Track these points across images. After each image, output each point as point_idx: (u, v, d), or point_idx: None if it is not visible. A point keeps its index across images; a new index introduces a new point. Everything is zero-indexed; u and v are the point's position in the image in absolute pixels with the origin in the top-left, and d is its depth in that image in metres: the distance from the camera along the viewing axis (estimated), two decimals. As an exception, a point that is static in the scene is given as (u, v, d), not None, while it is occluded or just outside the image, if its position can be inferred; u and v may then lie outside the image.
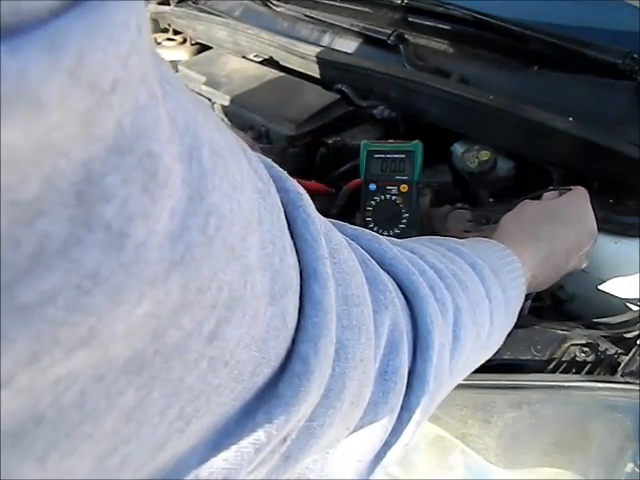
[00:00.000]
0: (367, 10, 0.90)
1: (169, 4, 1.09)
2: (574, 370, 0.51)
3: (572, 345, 0.52)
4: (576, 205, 0.56)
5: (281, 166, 0.24)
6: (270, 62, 0.90)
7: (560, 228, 0.54)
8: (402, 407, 0.29)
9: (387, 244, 0.32)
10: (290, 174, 0.24)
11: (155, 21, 1.09)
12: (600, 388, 0.47)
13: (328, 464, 0.28)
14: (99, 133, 0.12)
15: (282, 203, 0.23)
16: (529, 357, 0.52)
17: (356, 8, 0.91)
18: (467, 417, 0.48)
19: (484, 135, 0.69)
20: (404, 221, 0.62)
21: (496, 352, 0.44)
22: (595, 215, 0.56)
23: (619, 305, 0.60)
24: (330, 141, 0.74)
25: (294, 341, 0.21)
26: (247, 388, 0.20)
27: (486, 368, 0.43)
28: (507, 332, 0.45)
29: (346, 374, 0.24)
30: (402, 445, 0.29)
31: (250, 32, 0.91)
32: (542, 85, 0.70)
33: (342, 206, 0.69)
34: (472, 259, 0.40)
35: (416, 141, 0.65)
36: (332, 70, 0.82)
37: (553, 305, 0.63)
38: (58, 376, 0.13)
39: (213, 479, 0.19)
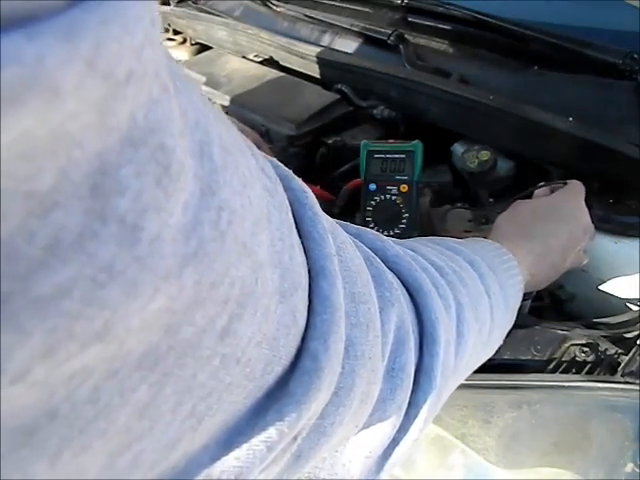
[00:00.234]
0: (367, 10, 0.90)
1: (169, 4, 1.09)
2: (574, 370, 0.51)
3: (572, 345, 0.52)
4: (569, 201, 0.56)
5: None
6: (270, 62, 0.90)
7: (554, 225, 0.54)
8: (409, 403, 0.29)
9: (389, 242, 0.33)
10: None
11: (155, 21, 1.09)
12: (600, 388, 0.47)
13: (337, 462, 0.28)
14: (113, 124, 0.12)
15: (289, 202, 0.23)
16: (529, 357, 0.52)
17: (356, 8, 0.91)
18: (467, 417, 0.48)
19: (484, 135, 0.69)
20: (404, 221, 0.62)
21: (496, 352, 0.44)
22: (590, 211, 0.56)
23: (619, 305, 0.60)
24: (330, 141, 0.74)
25: (304, 339, 0.21)
26: (258, 386, 0.20)
27: (486, 368, 0.43)
28: (507, 330, 0.45)
29: (355, 372, 0.24)
30: (410, 441, 0.29)
31: (250, 32, 0.91)
32: (542, 85, 0.70)
33: (342, 206, 0.69)
34: (470, 257, 0.40)
35: (416, 141, 0.65)
36: (332, 70, 0.82)
37: (553, 305, 0.63)
38: (73, 370, 0.13)
39: (225, 478, 0.19)
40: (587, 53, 0.68)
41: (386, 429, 0.28)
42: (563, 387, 0.48)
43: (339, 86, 0.80)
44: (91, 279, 0.12)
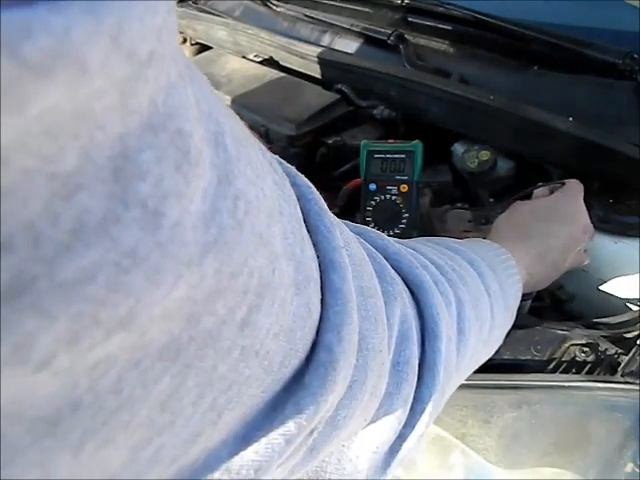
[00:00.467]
0: (367, 10, 0.90)
1: (169, 4, 1.09)
2: (574, 370, 0.51)
3: (572, 345, 0.52)
4: (567, 201, 0.56)
5: None
6: (270, 62, 0.89)
7: (552, 225, 0.54)
8: (414, 399, 0.29)
9: (390, 240, 0.33)
10: None
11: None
12: (600, 388, 0.47)
13: (344, 457, 0.28)
14: (135, 107, 0.12)
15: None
16: (529, 357, 0.52)
17: (356, 8, 0.91)
18: (467, 417, 0.48)
19: (484, 135, 0.69)
20: (404, 221, 0.62)
21: (496, 352, 0.44)
22: (590, 211, 0.56)
23: (619, 305, 0.60)
24: (330, 141, 0.74)
25: (318, 332, 0.21)
26: (276, 380, 0.20)
27: (486, 368, 0.43)
28: (506, 330, 0.45)
29: (368, 364, 0.24)
30: (416, 437, 0.29)
31: (250, 32, 0.91)
32: (542, 85, 0.70)
33: (342, 206, 0.69)
34: (470, 256, 0.41)
35: (416, 141, 0.65)
36: (332, 70, 0.82)
37: (553, 305, 0.63)
38: (97, 359, 0.13)
39: (244, 473, 0.19)
40: (587, 53, 0.68)
41: (393, 423, 0.28)
42: (563, 387, 0.48)
43: (339, 86, 0.80)
44: (115, 264, 0.12)
